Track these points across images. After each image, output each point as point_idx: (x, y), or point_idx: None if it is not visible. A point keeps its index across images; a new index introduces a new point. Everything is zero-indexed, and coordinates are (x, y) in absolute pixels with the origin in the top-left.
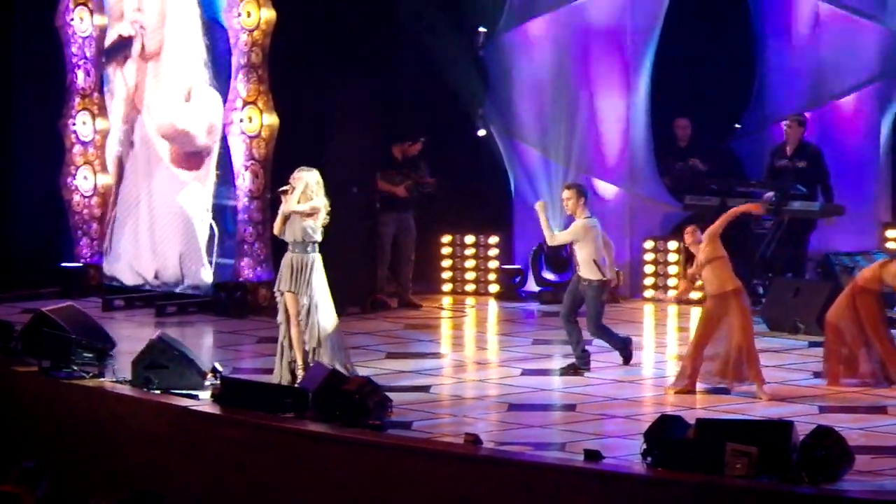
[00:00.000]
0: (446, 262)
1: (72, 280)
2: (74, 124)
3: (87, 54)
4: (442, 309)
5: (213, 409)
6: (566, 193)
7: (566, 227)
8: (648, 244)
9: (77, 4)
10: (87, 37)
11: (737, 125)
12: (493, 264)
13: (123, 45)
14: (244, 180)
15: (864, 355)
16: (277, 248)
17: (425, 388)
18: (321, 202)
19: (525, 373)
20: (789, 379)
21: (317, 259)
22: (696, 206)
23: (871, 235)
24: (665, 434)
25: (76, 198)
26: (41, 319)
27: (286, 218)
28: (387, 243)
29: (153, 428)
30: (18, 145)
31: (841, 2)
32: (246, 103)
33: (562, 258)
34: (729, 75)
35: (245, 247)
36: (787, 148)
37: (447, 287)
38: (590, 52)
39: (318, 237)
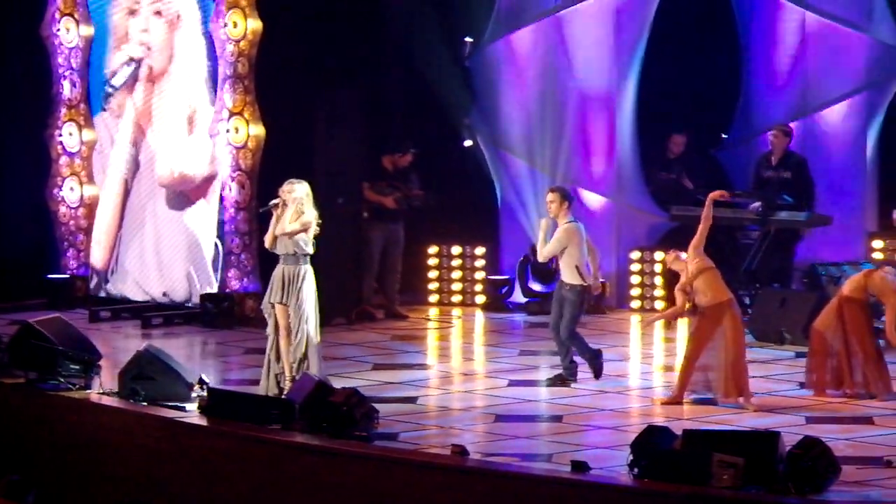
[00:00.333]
0: (433, 273)
1: (58, 291)
2: (61, 135)
3: (74, 65)
4: (429, 320)
5: (200, 420)
6: (550, 196)
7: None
8: (635, 255)
9: (63, 15)
10: (73, 47)
11: (724, 135)
12: (480, 275)
13: (134, 70)
14: (230, 191)
15: (849, 367)
16: (264, 259)
17: (412, 400)
18: (311, 216)
19: (512, 384)
20: (776, 389)
21: (308, 271)
22: (683, 217)
23: (858, 245)
24: (652, 445)
25: (62, 209)
26: (28, 331)
27: None
28: (375, 254)
29: (140, 440)
30: (4, 156)
31: (827, 12)
32: (232, 114)
33: (548, 269)
34: (715, 86)
35: (231, 258)
36: (772, 158)
37: (434, 298)
38: (576, 61)
39: (310, 249)
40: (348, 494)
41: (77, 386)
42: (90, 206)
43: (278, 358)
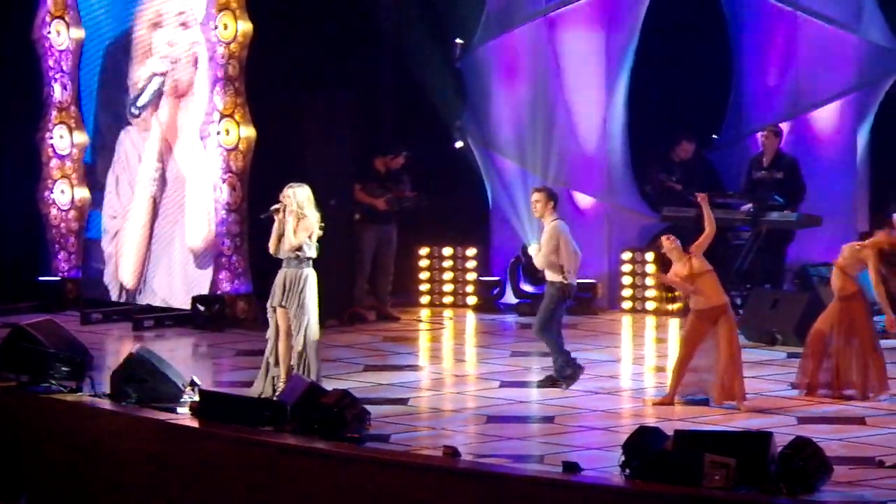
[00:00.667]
0: (424, 275)
1: (49, 294)
2: (51, 138)
3: (64, 67)
4: (420, 321)
5: (191, 422)
6: (535, 196)
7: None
8: (626, 255)
9: (54, 18)
10: (63, 50)
11: (714, 136)
12: (471, 276)
13: (158, 86)
14: (221, 193)
15: (847, 367)
16: (255, 260)
17: (403, 401)
18: (311, 221)
19: (503, 385)
20: (767, 390)
21: (311, 275)
22: (674, 218)
23: None
24: (643, 446)
25: (53, 211)
26: (19, 334)
27: (280, 236)
28: (367, 256)
29: (132, 442)
30: None
31: (817, 13)
32: (223, 116)
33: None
34: (706, 87)
35: (223, 259)
36: (763, 159)
37: (425, 299)
38: (566, 63)
39: (313, 253)
40: (340, 496)
41: (69, 388)
42: (80, 209)
43: (277, 362)
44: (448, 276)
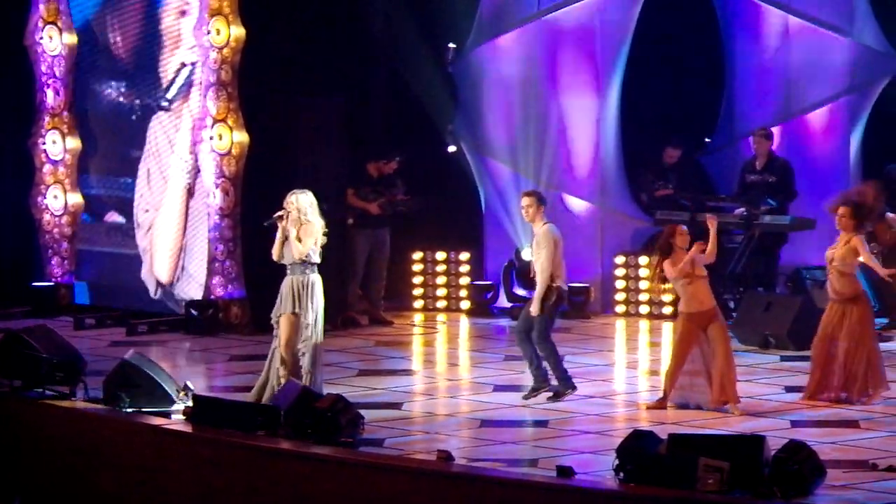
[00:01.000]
0: (417, 279)
1: (42, 299)
2: (44, 143)
3: (57, 73)
4: (413, 325)
5: (184, 427)
6: (527, 200)
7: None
8: (619, 259)
9: (46, 23)
10: (56, 55)
11: (707, 139)
12: (465, 280)
13: (188, 76)
14: (214, 198)
15: (843, 372)
16: (248, 265)
17: (397, 405)
18: (316, 227)
19: (497, 389)
20: (761, 393)
21: (317, 280)
22: (668, 221)
23: None
24: (637, 449)
25: (46, 217)
26: (12, 339)
27: (284, 242)
28: (360, 260)
29: (125, 447)
30: None
31: (810, 16)
32: (216, 121)
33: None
34: (699, 90)
35: (216, 264)
36: (756, 162)
37: (418, 304)
38: (559, 67)
39: (317, 259)
40: (334, 500)
41: (62, 394)
42: (74, 214)
43: (285, 367)
44: (441, 280)
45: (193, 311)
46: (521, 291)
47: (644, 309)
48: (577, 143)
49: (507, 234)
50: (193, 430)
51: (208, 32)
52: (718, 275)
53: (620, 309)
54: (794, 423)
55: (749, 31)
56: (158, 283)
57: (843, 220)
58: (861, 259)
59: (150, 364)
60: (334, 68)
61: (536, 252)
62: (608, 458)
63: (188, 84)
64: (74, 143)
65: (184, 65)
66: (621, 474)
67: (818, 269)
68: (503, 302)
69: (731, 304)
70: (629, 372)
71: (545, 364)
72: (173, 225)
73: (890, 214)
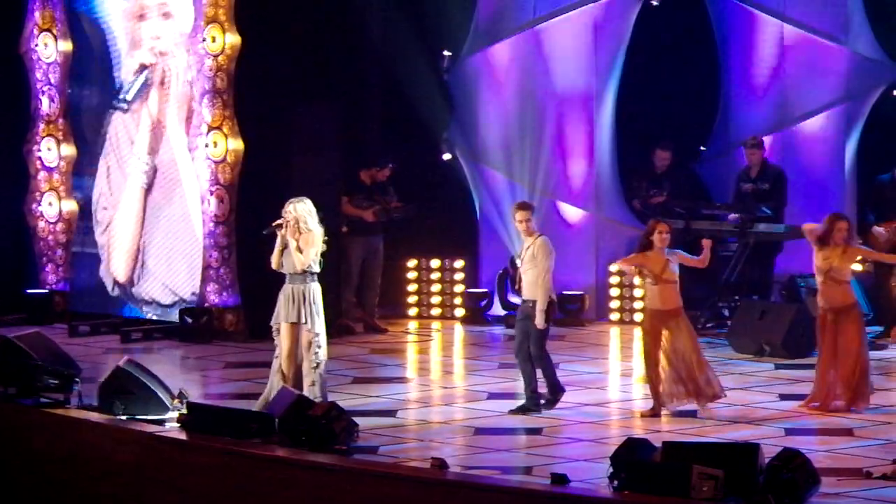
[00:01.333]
0: (412, 287)
1: (37, 307)
2: (39, 150)
3: (52, 80)
4: (408, 333)
5: (179, 434)
6: (525, 214)
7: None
8: (614, 267)
9: (41, 30)
10: (51, 63)
11: (702, 148)
12: (459, 288)
13: (146, 79)
14: (209, 205)
15: (836, 380)
16: (243, 272)
17: (391, 413)
18: (316, 236)
19: (491, 397)
20: (755, 401)
21: (317, 289)
22: None
23: None
24: (632, 457)
25: (41, 224)
26: (6, 346)
27: (282, 250)
28: (354, 268)
29: (119, 454)
30: None
31: (805, 24)
32: (211, 128)
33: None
34: (694, 98)
35: (210, 272)
36: (750, 171)
37: (413, 311)
38: (554, 75)
39: (317, 268)
40: None
41: (57, 401)
42: (69, 221)
43: (284, 379)
44: (436, 287)
45: (188, 319)
46: (515, 299)
47: (639, 317)
48: (572, 152)
49: (501, 241)
50: (188, 437)
51: (203, 40)
52: (713, 283)
53: (615, 317)
54: (789, 431)
55: (744, 40)
56: (115, 282)
57: (843, 234)
58: (856, 266)
59: (145, 371)
60: (329, 76)
61: (530, 263)
62: (602, 465)
63: (147, 85)
64: (69, 149)
65: (143, 66)
66: (615, 482)
67: (813, 276)
68: (498, 309)
69: (726, 313)
70: (623, 380)
71: (539, 376)
72: (130, 224)
73: (876, 228)
